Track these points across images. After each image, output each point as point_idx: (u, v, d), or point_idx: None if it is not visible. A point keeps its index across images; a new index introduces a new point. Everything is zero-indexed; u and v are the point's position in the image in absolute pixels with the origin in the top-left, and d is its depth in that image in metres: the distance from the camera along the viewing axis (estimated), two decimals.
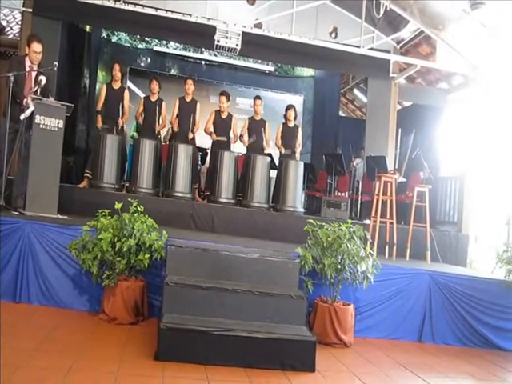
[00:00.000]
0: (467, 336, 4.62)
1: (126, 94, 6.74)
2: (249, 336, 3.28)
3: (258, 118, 7.23)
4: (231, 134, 7.08)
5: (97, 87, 10.51)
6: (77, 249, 3.80)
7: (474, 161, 7.39)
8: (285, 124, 7.31)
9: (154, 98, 6.85)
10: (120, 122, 6.46)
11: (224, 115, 7.04)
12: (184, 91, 6.93)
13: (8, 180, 4.77)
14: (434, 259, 6.00)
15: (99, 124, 6.55)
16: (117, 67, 6.66)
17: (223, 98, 6.97)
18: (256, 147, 7.07)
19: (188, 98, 6.91)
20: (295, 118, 7.35)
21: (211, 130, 7.01)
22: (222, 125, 7.02)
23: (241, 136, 7.20)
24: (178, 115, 6.86)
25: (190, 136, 6.72)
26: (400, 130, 6.76)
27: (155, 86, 6.82)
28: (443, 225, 7.43)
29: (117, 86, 6.69)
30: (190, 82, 6.89)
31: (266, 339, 3.30)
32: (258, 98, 7.29)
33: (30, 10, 7.14)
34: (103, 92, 6.65)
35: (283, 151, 7.14)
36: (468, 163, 7.42)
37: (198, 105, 6.95)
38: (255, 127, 7.14)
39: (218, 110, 7.08)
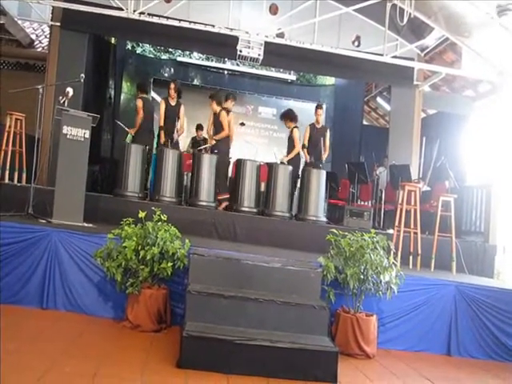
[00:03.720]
0: (494, 349, 4.48)
1: (182, 109, 6.94)
2: (271, 346, 3.27)
3: (319, 126, 7.32)
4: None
5: (121, 98, 10.72)
6: (102, 257, 3.86)
7: (501, 169, 7.22)
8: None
9: (173, 103, 6.94)
10: (175, 136, 6.79)
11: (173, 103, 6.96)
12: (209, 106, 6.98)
13: (35, 189, 4.90)
14: (460, 270, 5.87)
15: (162, 139, 6.75)
16: (172, 86, 6.87)
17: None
18: (315, 155, 7.12)
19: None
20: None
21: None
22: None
23: (303, 146, 7.24)
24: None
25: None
26: (424, 138, 6.70)
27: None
28: (469, 235, 7.27)
29: (173, 102, 6.90)
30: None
31: (288, 349, 3.29)
32: (319, 107, 7.38)
33: (58, 23, 7.40)
34: (162, 107, 6.86)
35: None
36: (495, 172, 7.26)
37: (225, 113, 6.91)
38: (317, 134, 7.20)
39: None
